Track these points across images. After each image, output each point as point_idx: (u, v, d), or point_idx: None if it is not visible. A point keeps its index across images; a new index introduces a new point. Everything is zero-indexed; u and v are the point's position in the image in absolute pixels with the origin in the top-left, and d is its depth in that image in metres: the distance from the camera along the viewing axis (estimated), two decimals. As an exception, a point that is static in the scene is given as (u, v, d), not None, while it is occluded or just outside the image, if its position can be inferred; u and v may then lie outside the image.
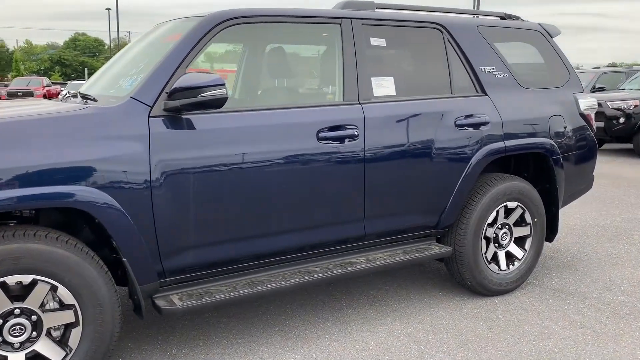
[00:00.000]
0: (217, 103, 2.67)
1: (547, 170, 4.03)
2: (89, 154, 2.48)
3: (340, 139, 3.12)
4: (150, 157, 2.60)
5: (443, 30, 3.67)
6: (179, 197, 2.69)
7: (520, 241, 4.00)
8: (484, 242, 3.79)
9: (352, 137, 3.15)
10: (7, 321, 2.42)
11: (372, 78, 3.33)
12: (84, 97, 2.99)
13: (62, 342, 2.55)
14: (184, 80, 2.63)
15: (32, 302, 2.45)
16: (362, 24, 3.36)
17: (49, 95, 28.04)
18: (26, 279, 2.41)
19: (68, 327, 2.55)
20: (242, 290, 2.94)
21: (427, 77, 3.71)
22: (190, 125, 2.74)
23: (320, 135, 3.05)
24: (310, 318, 3.56)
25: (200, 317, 3.55)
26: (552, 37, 4.25)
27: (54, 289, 2.47)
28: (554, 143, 3.93)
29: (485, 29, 3.89)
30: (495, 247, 3.89)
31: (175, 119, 2.71)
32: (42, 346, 2.50)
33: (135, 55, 3.31)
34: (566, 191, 4.19)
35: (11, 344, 2.44)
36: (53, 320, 2.51)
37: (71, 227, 2.77)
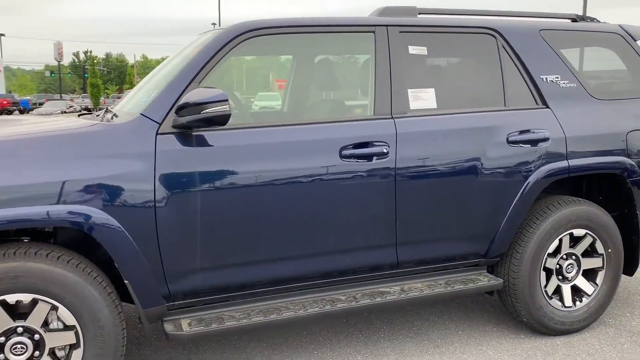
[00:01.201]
0: (221, 119, 2.52)
1: (625, 194, 3.49)
2: (90, 172, 2.42)
3: (368, 157, 2.85)
4: (155, 176, 2.50)
5: (497, 35, 3.29)
6: (185, 218, 2.56)
7: (590, 274, 3.49)
8: (543, 274, 3.33)
9: (381, 155, 2.87)
10: (10, 339, 2.40)
11: (409, 90, 3.04)
12: (109, 113, 2.97)
13: (63, 363, 2.50)
14: (190, 96, 2.51)
15: (33, 321, 2.42)
16: (400, 32, 3.07)
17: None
18: (26, 297, 2.38)
19: (70, 348, 2.50)
20: (255, 317, 2.76)
21: (477, 88, 3.34)
22: (200, 143, 2.61)
23: (344, 152, 2.81)
24: (341, 349, 3.30)
25: (227, 340, 3.41)
26: (635, 40, 3.70)
27: (54, 308, 2.42)
28: (632, 162, 3.39)
29: (550, 33, 3.44)
30: (559, 280, 3.41)
31: (184, 136, 2.59)
32: (43, 366, 2.46)
33: (166, 69, 3.26)
34: (650, 218, 3.60)
35: (21, 362, 2.42)
36: (55, 340, 2.46)
37: (88, 246, 2.73)
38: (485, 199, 3.12)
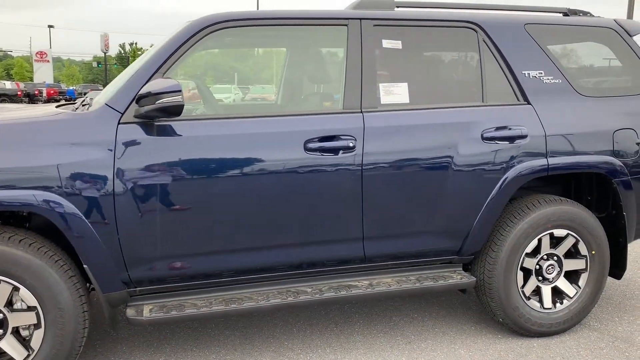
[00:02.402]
0: (175, 110, 2.56)
1: (612, 195, 3.38)
2: (51, 159, 2.50)
3: (334, 151, 2.85)
4: (114, 164, 2.56)
5: (478, 29, 3.22)
6: (144, 206, 2.62)
7: (573, 276, 3.39)
8: (521, 274, 3.26)
9: (348, 149, 2.86)
10: None
11: (380, 84, 3.01)
12: (85, 103, 3.06)
13: (26, 342, 2.60)
14: (148, 86, 2.56)
15: (-4, 300, 2.53)
16: (374, 25, 3.05)
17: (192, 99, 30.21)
18: (-12, 278, 2.49)
19: (33, 328, 2.60)
20: (216, 307, 2.81)
21: (454, 83, 3.29)
22: (161, 133, 2.66)
23: (309, 145, 2.81)
24: (312, 341, 3.32)
25: (203, 327, 3.48)
26: (631, 36, 3.55)
27: (16, 289, 2.52)
28: (619, 162, 3.27)
29: (535, 27, 3.34)
30: (539, 280, 3.33)
31: (146, 126, 2.65)
32: (7, 344, 2.57)
33: (143, 59, 3.33)
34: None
35: (-22, 339, 2.54)
36: (17, 320, 2.57)
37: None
38: (458, 195, 3.07)
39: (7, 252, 2.48)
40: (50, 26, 61.84)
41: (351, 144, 2.86)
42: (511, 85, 3.23)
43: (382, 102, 3.00)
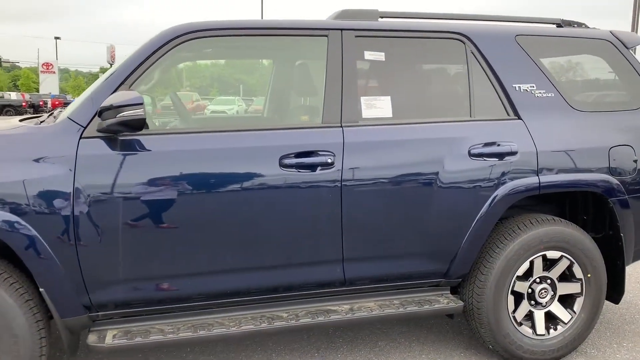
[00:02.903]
0: (135, 124, 2.41)
1: (609, 214, 3.20)
2: (4, 175, 2.35)
3: (311, 167, 2.70)
4: (74, 181, 2.41)
5: (466, 41, 3.07)
6: (106, 226, 2.46)
7: (567, 300, 3.21)
8: (511, 298, 3.08)
9: (325, 165, 2.71)
10: None
11: (362, 98, 2.86)
12: (51, 116, 2.91)
13: (-23, 371, 2.44)
14: (109, 99, 2.41)
15: (-49, 325, 2.37)
16: (356, 36, 2.90)
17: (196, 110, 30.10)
18: (-64, 302, 2.33)
19: (-13, 357, 2.44)
20: (184, 333, 2.64)
21: (440, 97, 3.13)
22: (125, 148, 2.51)
23: (285, 161, 2.66)
24: (291, 367, 3.14)
25: (178, 351, 3.30)
26: (628, 48, 3.40)
27: (-34, 315, 2.37)
28: (616, 180, 3.10)
29: (527, 39, 3.19)
30: (531, 305, 3.15)
31: (110, 140, 2.50)
32: (-38, 372, 2.41)
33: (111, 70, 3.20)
34: (638, 242, 3.29)
35: None
36: (-31, 347, 2.41)
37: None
38: (443, 215, 2.90)
39: (-43, 274, 2.33)
40: (57, 38, 62.22)
41: (329, 160, 2.71)
42: (501, 99, 3.07)
43: (363, 116, 2.85)
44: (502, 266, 3.01)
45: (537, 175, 2.99)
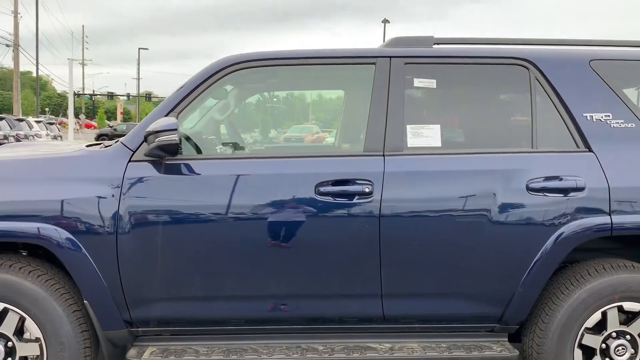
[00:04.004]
0: (170, 148, 2.52)
1: None
2: (62, 193, 2.57)
3: (348, 196, 2.63)
4: (119, 202, 2.57)
5: (530, 66, 2.84)
6: (146, 246, 2.58)
7: (653, 362, 2.78)
8: (579, 352, 2.74)
9: (363, 195, 2.63)
10: None
11: (408, 126, 2.76)
12: (114, 138, 3.15)
13: (29, 373, 2.65)
14: (151, 125, 2.56)
15: (6, 328, 2.61)
16: (406, 63, 2.82)
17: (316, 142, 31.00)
18: (-1, 305, 2.58)
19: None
20: (216, 356, 2.67)
21: (497, 127, 2.92)
22: (169, 171, 2.64)
23: (321, 189, 2.63)
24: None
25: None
26: None
27: (22, 319, 2.59)
28: None
29: (604, 64, 2.89)
30: (606, 363, 2.77)
31: (156, 164, 2.64)
32: (13, 374, 2.63)
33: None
34: None
35: (-12, 365, 2.63)
36: (24, 350, 2.63)
37: None
38: (495, 254, 2.67)
39: (16, 282, 2.56)
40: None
41: (367, 189, 2.62)
42: (569, 130, 2.80)
43: (408, 145, 2.74)
44: (567, 315, 2.70)
45: (609, 215, 2.66)
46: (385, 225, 2.63)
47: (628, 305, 2.72)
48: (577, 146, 2.78)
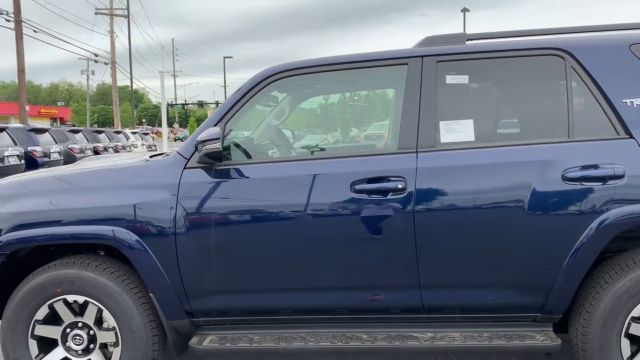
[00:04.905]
0: (214, 155, 2.77)
1: None
2: (127, 199, 2.90)
3: (382, 192, 2.77)
4: (177, 205, 2.87)
5: (566, 56, 2.83)
6: (201, 244, 2.86)
7: None
8: (626, 342, 2.71)
9: (396, 191, 2.75)
10: (73, 330, 3.01)
11: (440, 122, 2.85)
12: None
13: (107, 357, 3.01)
14: (200, 135, 2.83)
15: (87, 318, 2.99)
16: (438, 61, 2.91)
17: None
18: (80, 299, 2.96)
19: (113, 346, 3.00)
20: (267, 343, 2.90)
21: (532, 118, 2.92)
22: (219, 176, 2.90)
23: (357, 187, 2.78)
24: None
25: (287, 364, 3.56)
26: None
27: (100, 311, 2.96)
28: None
29: (647, 47, 2.82)
30: (658, 353, 2.72)
31: (208, 170, 2.91)
32: (96, 357, 3.01)
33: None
34: None
35: (75, 351, 3.02)
36: (103, 337, 2.99)
37: None
38: (532, 244, 2.70)
39: (92, 277, 2.93)
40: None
41: (400, 186, 2.75)
42: (608, 117, 2.77)
43: (441, 141, 2.83)
44: (611, 304, 2.68)
45: (652, 202, 2.61)
46: (419, 219, 2.74)
47: (678, 294, 2.65)
48: (617, 133, 2.74)
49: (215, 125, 2.94)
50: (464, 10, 34.09)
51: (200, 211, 2.86)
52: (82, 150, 17.04)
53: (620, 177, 2.64)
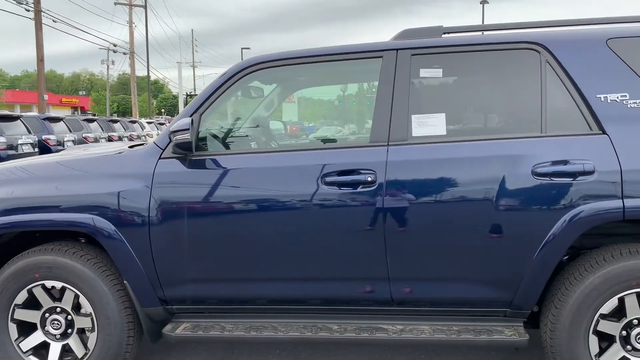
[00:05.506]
0: (184, 145, 2.80)
1: None
2: (102, 188, 2.96)
3: (352, 185, 2.78)
4: (150, 194, 2.92)
5: (542, 50, 2.81)
6: (174, 233, 2.90)
7: (679, 351, 2.66)
8: (594, 338, 2.69)
9: (366, 184, 2.76)
10: (51, 314, 3.08)
11: (413, 116, 2.85)
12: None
13: (85, 342, 3.08)
14: (172, 126, 2.86)
15: (65, 304, 3.06)
16: (412, 54, 2.90)
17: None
18: (57, 284, 3.03)
19: (90, 331, 3.06)
20: (237, 332, 2.94)
21: (505, 113, 2.91)
22: (193, 166, 2.94)
23: (327, 179, 2.80)
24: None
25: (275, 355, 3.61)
26: None
27: (77, 296, 3.03)
28: None
29: (622, 42, 2.78)
30: (627, 351, 2.70)
31: (182, 160, 2.95)
32: (73, 341, 3.08)
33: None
34: None
35: (53, 335, 3.09)
36: (80, 322, 3.06)
37: None
38: (500, 240, 2.70)
39: (69, 264, 3.00)
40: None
41: (370, 179, 2.76)
42: (582, 112, 2.74)
43: (413, 135, 2.83)
44: (579, 300, 2.66)
45: (621, 199, 2.58)
46: (388, 212, 2.75)
47: (647, 293, 2.62)
48: (590, 129, 2.72)
49: (191, 116, 2.97)
50: (483, 2, 33.62)
51: (172, 201, 2.90)
52: (96, 139, 17.25)
53: (590, 173, 2.62)
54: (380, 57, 2.93)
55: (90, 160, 3.18)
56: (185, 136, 2.78)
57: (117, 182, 2.97)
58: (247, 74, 3.03)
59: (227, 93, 3.04)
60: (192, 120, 2.82)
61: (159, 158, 2.98)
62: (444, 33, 2.99)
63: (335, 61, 3.07)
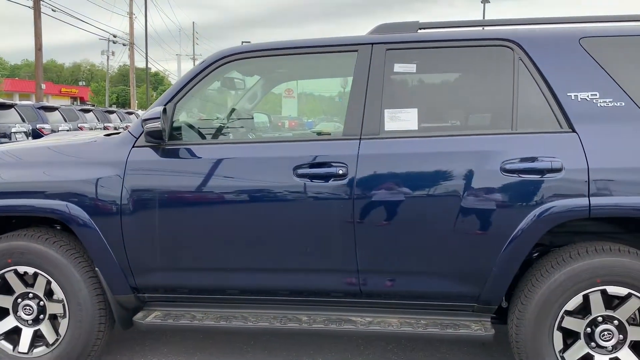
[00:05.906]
0: (155, 134, 2.82)
1: None
2: (74, 175, 2.97)
3: (323, 177, 2.80)
4: (123, 182, 2.93)
5: (515, 47, 2.82)
6: (145, 222, 2.91)
7: (643, 348, 2.69)
8: (558, 334, 2.71)
9: (338, 176, 2.78)
10: (24, 300, 3.10)
11: (386, 110, 2.86)
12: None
13: (56, 328, 3.10)
14: (144, 114, 2.87)
15: (37, 289, 3.07)
16: (387, 49, 2.91)
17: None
18: (30, 270, 3.04)
19: (62, 317, 3.08)
20: (207, 322, 2.96)
21: (476, 109, 2.92)
22: (164, 155, 2.95)
23: (299, 171, 2.81)
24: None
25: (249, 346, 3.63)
26: None
27: (49, 282, 3.04)
28: None
29: (595, 41, 2.79)
30: (591, 348, 2.73)
31: (155, 149, 2.96)
32: (45, 327, 3.10)
33: None
34: None
35: (25, 320, 3.11)
36: (52, 308, 3.08)
37: None
38: (468, 235, 2.72)
39: (42, 250, 3.01)
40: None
41: (341, 172, 2.77)
42: (552, 110, 2.75)
43: (385, 129, 2.85)
44: (544, 297, 2.68)
45: (588, 197, 2.60)
46: (358, 205, 2.77)
47: (612, 289, 2.65)
48: (560, 127, 2.73)
49: (165, 105, 2.98)
50: (484, 1, 33.56)
51: (143, 189, 2.91)
52: (91, 129, 17.25)
53: (558, 170, 2.63)
54: (356, 51, 2.94)
55: (63, 148, 3.19)
56: (156, 124, 2.79)
57: (90, 169, 2.98)
58: (223, 64, 3.04)
59: (203, 83, 3.05)
60: (164, 109, 2.83)
61: (132, 146, 3.00)
62: (420, 28, 3.00)
63: (312, 54, 3.08)
